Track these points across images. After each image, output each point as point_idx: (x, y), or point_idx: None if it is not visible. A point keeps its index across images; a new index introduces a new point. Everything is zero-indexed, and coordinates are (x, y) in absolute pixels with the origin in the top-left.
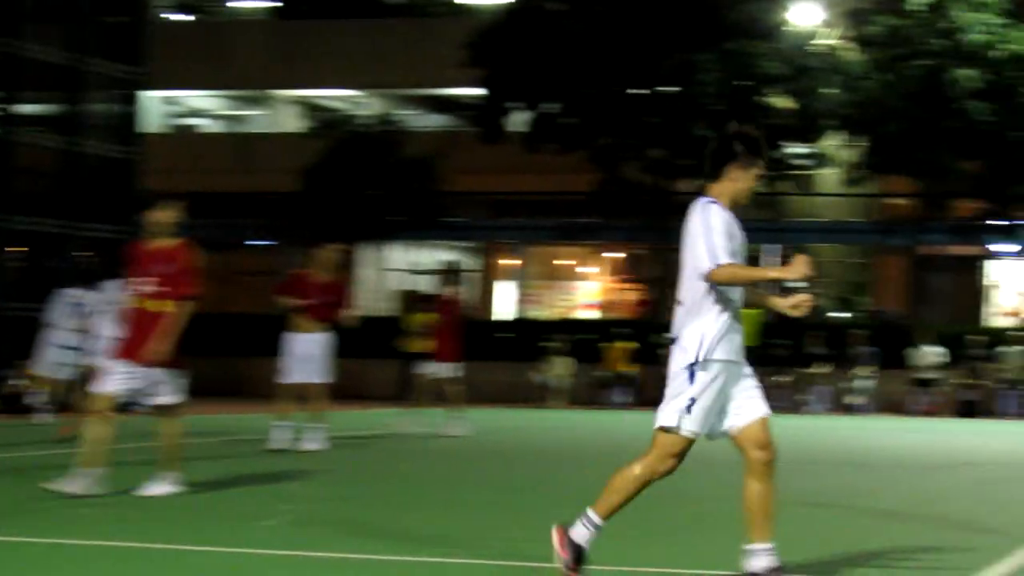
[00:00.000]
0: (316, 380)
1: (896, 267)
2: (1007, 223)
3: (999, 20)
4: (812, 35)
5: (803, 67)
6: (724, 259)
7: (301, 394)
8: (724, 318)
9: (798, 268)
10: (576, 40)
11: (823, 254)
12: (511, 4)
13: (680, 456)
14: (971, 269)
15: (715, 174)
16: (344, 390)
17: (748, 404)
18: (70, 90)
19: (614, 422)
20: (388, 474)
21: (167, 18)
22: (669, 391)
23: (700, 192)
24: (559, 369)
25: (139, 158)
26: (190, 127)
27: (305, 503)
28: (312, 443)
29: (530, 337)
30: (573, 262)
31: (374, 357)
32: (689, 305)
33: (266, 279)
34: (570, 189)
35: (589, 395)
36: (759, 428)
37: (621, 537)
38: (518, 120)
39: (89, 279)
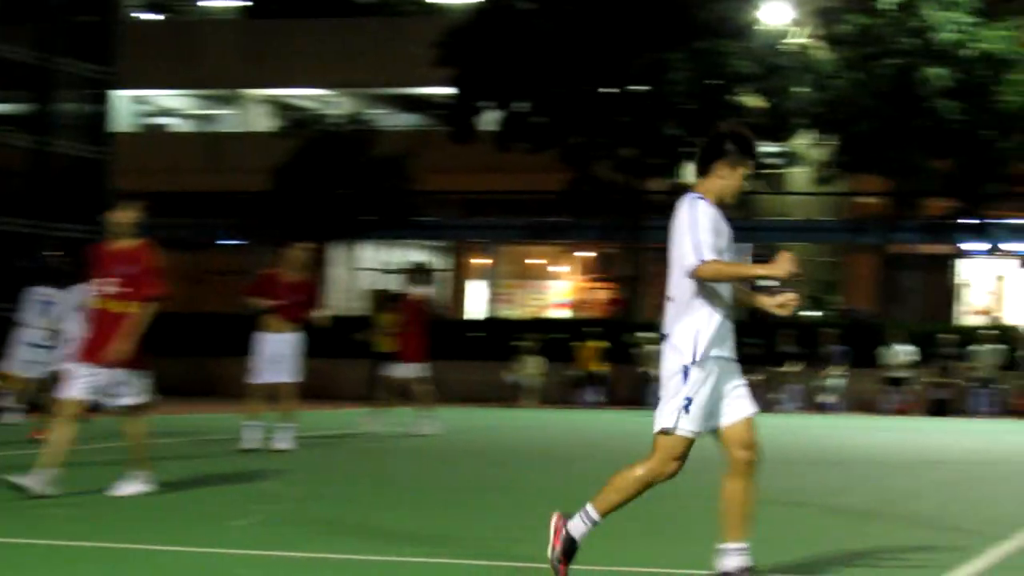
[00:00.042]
0: (287, 380)
1: (867, 266)
2: (978, 222)
3: (969, 19)
4: (783, 34)
5: (774, 66)
6: (709, 255)
7: (271, 394)
8: (716, 315)
9: (783, 265)
10: (546, 39)
11: (794, 253)
12: (481, 3)
13: (683, 458)
14: (942, 268)
15: (704, 170)
16: (315, 390)
17: (736, 403)
18: (40, 90)
19: (586, 421)
20: (359, 473)
21: (137, 17)
22: (665, 392)
23: (674, 190)
24: (531, 368)
25: (109, 158)
26: (161, 127)
27: (276, 503)
28: (283, 443)
29: (501, 336)
30: (544, 261)
31: (345, 357)
32: (680, 301)
33: (237, 278)
34: (541, 188)
35: (561, 394)
36: (744, 428)
37: (608, 536)
38: (489, 119)
39: (59, 279)
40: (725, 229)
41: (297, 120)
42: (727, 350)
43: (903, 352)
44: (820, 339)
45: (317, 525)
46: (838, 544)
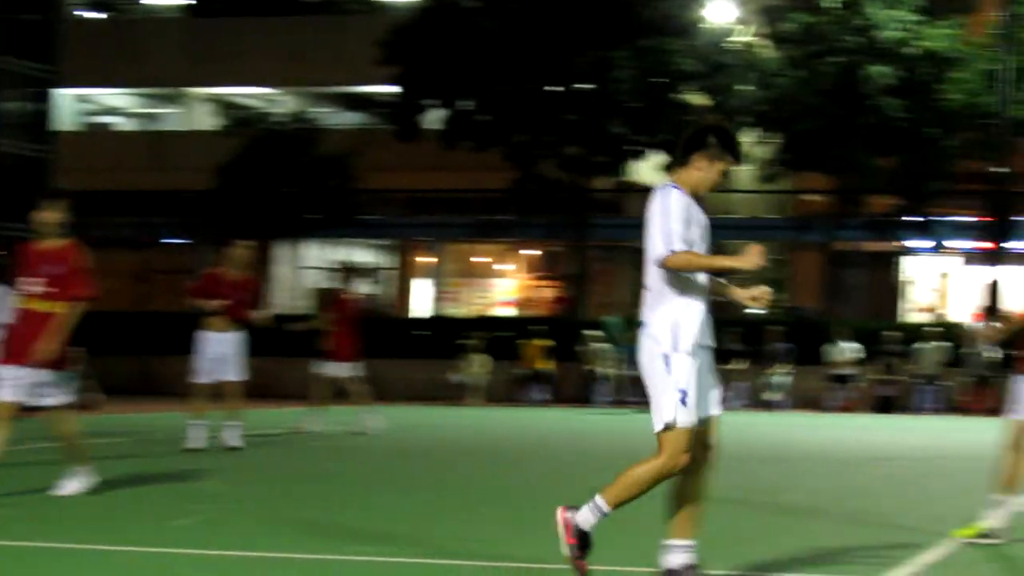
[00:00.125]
0: (232, 378)
1: (812, 263)
2: (922, 219)
3: (913, 17)
4: (727, 32)
5: (718, 64)
6: (679, 245)
7: (216, 393)
8: (694, 304)
9: (751, 259)
10: (491, 37)
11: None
12: (425, 1)
13: (689, 448)
14: (886, 265)
15: (682, 161)
16: (259, 389)
17: (708, 403)
18: None
19: (532, 419)
20: (304, 473)
21: (80, 16)
22: (652, 387)
23: (619, 188)
24: (476, 367)
25: (53, 156)
26: (104, 125)
27: (220, 502)
28: (233, 440)
29: (447, 335)
30: (490, 259)
31: (289, 355)
32: (654, 290)
33: (181, 277)
34: (486, 186)
35: (506, 392)
36: (710, 427)
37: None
38: (433, 117)
39: (1, 278)
40: (699, 218)
41: (241, 119)
42: (708, 338)
43: (848, 349)
44: (765, 337)
45: (261, 524)
46: (784, 542)
